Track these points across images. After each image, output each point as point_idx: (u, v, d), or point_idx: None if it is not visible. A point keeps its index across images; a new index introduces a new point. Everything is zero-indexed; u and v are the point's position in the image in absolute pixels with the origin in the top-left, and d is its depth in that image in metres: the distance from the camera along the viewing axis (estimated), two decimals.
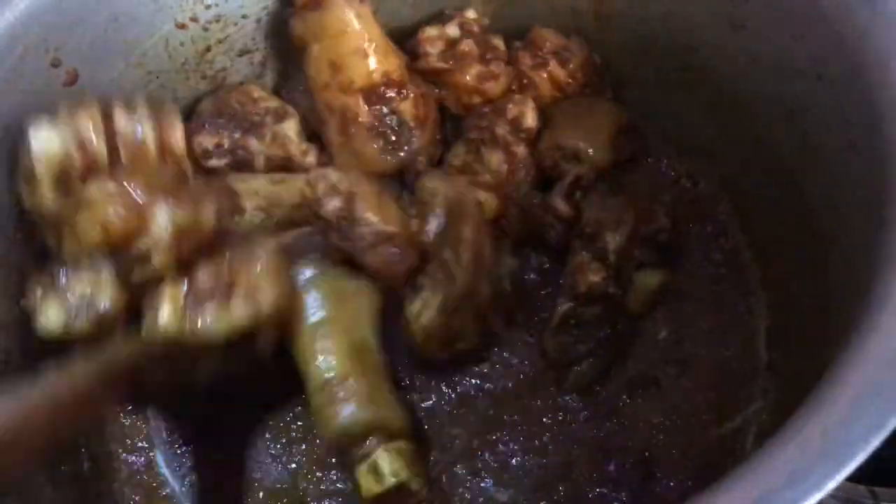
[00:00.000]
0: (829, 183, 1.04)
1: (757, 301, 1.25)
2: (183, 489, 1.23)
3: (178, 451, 1.25)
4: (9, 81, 1.07)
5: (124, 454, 1.25)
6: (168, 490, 1.23)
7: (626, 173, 1.33)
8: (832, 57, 0.99)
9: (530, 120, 1.29)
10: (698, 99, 1.28)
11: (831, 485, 0.61)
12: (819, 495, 0.61)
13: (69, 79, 1.14)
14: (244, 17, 1.31)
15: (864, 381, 0.68)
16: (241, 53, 1.35)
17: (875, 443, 0.64)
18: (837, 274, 1.02)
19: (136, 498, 1.23)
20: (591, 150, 1.27)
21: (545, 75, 1.32)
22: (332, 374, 1.07)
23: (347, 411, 1.05)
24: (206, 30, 1.28)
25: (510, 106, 1.29)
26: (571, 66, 1.32)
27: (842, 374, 0.70)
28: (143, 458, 1.25)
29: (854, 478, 0.63)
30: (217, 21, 1.29)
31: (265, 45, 1.36)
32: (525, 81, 1.33)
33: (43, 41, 1.10)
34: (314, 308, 1.11)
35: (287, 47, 1.36)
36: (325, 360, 1.08)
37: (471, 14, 1.34)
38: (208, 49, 1.31)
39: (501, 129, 1.27)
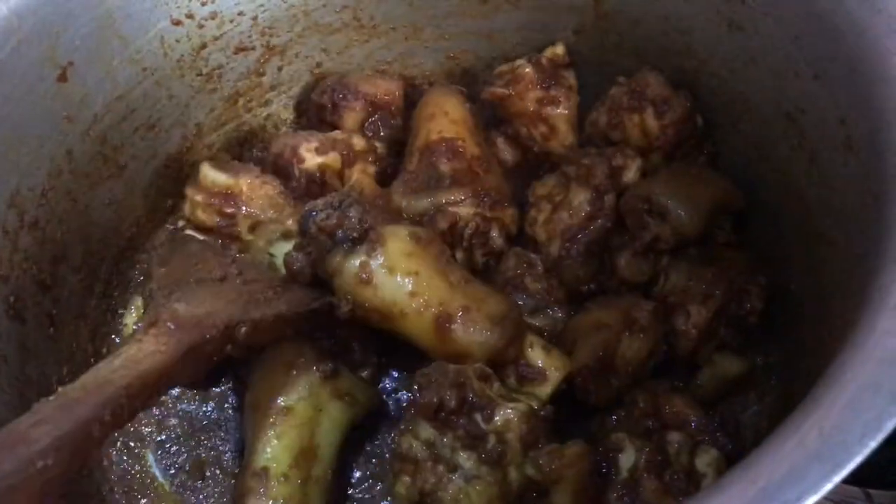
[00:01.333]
0: (827, 183, 1.03)
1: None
2: (174, 489, 1.22)
3: (171, 451, 1.24)
4: (2, 74, 1.06)
5: (115, 453, 1.23)
6: (159, 490, 1.22)
7: (724, 248, 1.22)
8: (830, 56, 0.99)
9: (631, 174, 1.22)
10: (694, 100, 1.26)
11: (828, 486, 0.60)
12: (816, 496, 0.60)
13: (63, 74, 1.13)
14: (240, 13, 1.30)
15: (862, 380, 0.67)
16: (238, 51, 1.34)
17: (873, 444, 0.63)
18: (836, 275, 1.01)
19: (127, 497, 1.21)
20: (681, 213, 1.15)
21: (636, 119, 1.25)
22: (272, 465, 1.07)
23: None
24: (201, 27, 1.28)
25: (618, 154, 1.23)
26: (666, 120, 1.24)
27: (840, 373, 0.69)
28: (133, 457, 1.24)
29: (848, 480, 0.62)
30: (213, 18, 1.28)
31: (262, 42, 1.35)
32: (615, 121, 1.27)
33: (38, 35, 1.09)
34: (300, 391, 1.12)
35: (285, 46, 1.36)
36: (272, 447, 1.08)
37: (554, 50, 1.33)
38: (204, 46, 1.30)
39: (600, 172, 1.21)
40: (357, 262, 1.06)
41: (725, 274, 1.16)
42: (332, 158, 1.29)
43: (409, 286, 1.06)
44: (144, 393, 0.89)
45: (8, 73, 1.07)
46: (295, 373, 1.13)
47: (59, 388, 0.85)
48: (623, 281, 1.21)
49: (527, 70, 1.30)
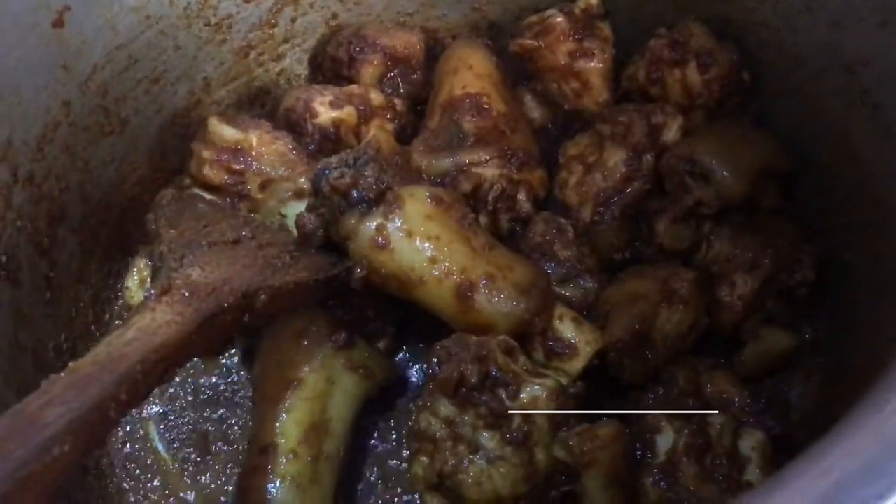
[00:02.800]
0: (890, 143, 0.95)
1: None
2: (177, 464, 1.16)
3: (174, 423, 1.18)
4: None
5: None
6: (162, 465, 1.16)
7: (771, 214, 1.14)
8: None
9: (672, 133, 1.14)
10: (741, 53, 1.17)
11: None
12: None
13: (59, 19, 1.06)
14: None
15: None
16: None
17: None
18: None
19: (128, 471, 1.16)
20: (726, 174, 1.08)
21: (678, 75, 1.17)
22: (280, 440, 1.02)
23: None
24: None
25: (657, 111, 1.15)
26: (710, 74, 1.16)
27: None
28: (134, 429, 1.18)
29: None
30: None
31: None
32: (655, 76, 1.19)
33: None
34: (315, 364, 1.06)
35: None
36: (281, 422, 1.02)
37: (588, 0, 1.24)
38: None
39: (638, 130, 1.14)
40: (373, 225, 0.99)
41: (773, 242, 1.08)
42: (348, 113, 1.21)
43: (429, 251, 0.99)
44: (160, 367, 0.82)
45: None
46: (307, 343, 1.06)
47: (70, 364, 0.77)
48: (661, 248, 1.13)
49: (558, 20, 1.22)
